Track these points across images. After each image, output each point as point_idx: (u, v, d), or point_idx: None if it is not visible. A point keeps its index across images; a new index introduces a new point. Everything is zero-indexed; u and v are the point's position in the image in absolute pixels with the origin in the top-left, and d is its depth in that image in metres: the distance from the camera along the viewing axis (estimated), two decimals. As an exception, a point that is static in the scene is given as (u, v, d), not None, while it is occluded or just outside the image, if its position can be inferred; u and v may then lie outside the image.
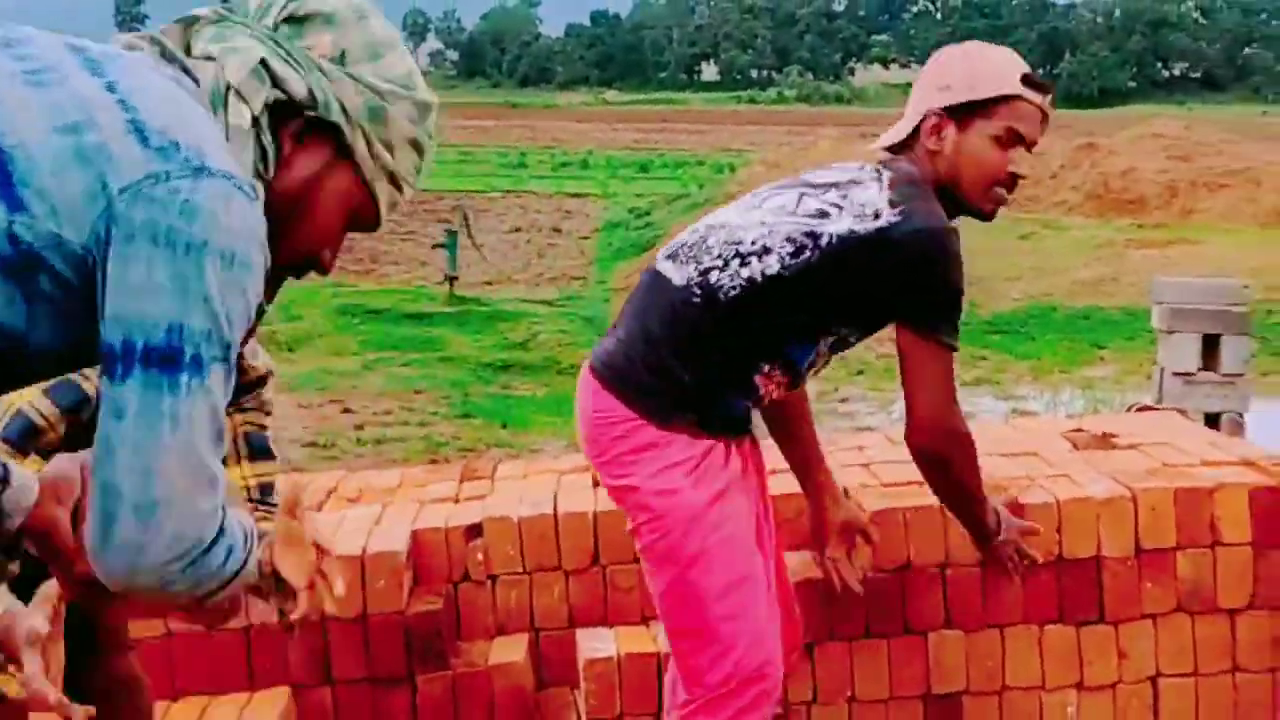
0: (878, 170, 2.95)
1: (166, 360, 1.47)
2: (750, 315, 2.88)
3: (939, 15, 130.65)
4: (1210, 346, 5.33)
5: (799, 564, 3.59)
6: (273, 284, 1.71)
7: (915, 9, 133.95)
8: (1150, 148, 27.13)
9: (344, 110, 1.69)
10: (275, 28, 1.70)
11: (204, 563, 1.55)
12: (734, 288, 2.86)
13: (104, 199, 1.46)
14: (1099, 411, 10.26)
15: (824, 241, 2.84)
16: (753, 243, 2.89)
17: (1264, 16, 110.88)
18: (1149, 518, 3.57)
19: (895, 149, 3.07)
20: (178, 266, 1.47)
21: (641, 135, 55.63)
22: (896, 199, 2.84)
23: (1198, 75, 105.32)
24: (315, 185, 1.71)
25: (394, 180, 1.77)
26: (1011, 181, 2.95)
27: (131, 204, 1.47)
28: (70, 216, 1.46)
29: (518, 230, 27.40)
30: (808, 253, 2.84)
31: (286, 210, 1.68)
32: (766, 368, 2.95)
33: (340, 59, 1.70)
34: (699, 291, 2.88)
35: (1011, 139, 2.91)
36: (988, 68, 2.97)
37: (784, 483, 3.55)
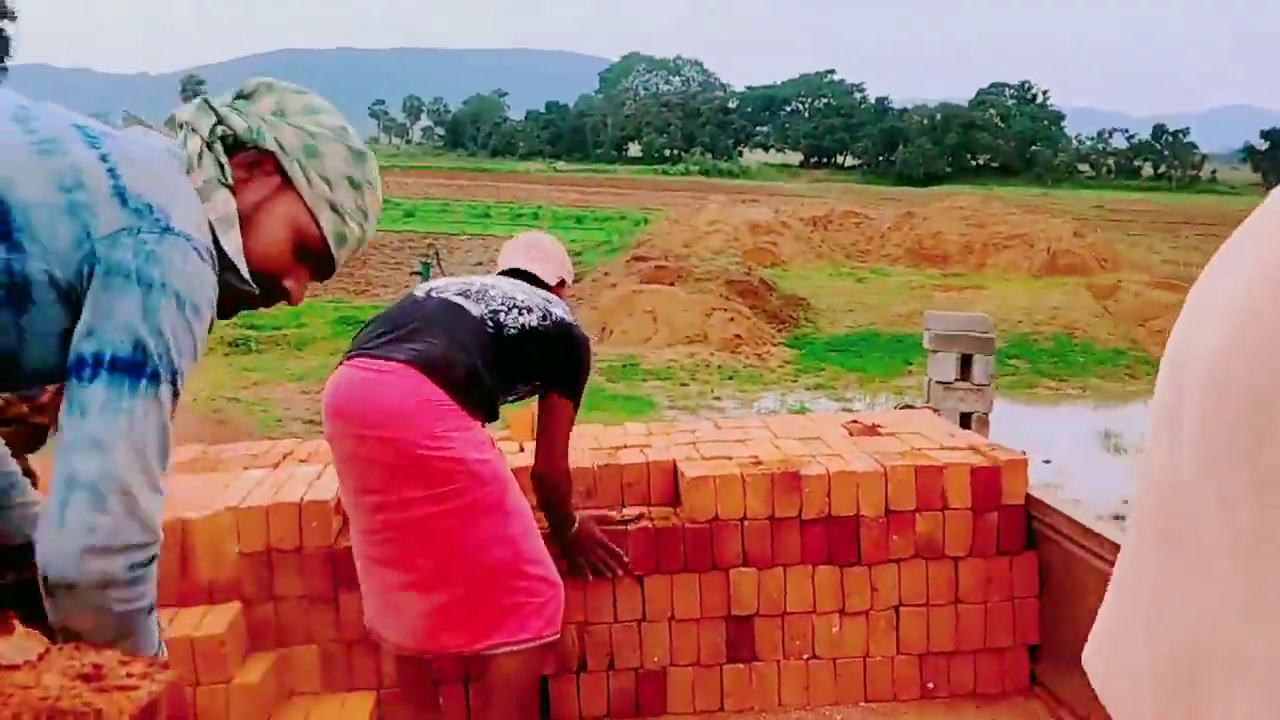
0: (552, 297, 3.23)
1: (130, 368, 1.39)
2: (519, 349, 3.01)
3: (806, 114, 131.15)
4: (965, 363, 5.39)
5: (631, 513, 3.60)
6: (239, 305, 1.65)
7: (789, 109, 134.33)
8: (955, 217, 27.44)
9: (280, 145, 1.64)
10: (233, 101, 1.69)
11: (145, 576, 1.42)
12: (514, 328, 3.00)
13: (88, 245, 1.41)
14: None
15: (554, 318, 3.09)
16: (522, 300, 3.07)
17: (1045, 123, 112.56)
18: (896, 487, 3.60)
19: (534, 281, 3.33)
20: (142, 299, 1.41)
21: (580, 196, 55.33)
22: (569, 315, 3.18)
23: (997, 165, 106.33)
24: (263, 207, 1.63)
25: (336, 210, 1.67)
26: None
27: (109, 249, 1.41)
28: (59, 258, 1.40)
29: (480, 264, 27.27)
30: (548, 321, 3.07)
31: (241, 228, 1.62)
32: (521, 389, 3.15)
33: (280, 113, 1.66)
34: (491, 324, 2.98)
35: None
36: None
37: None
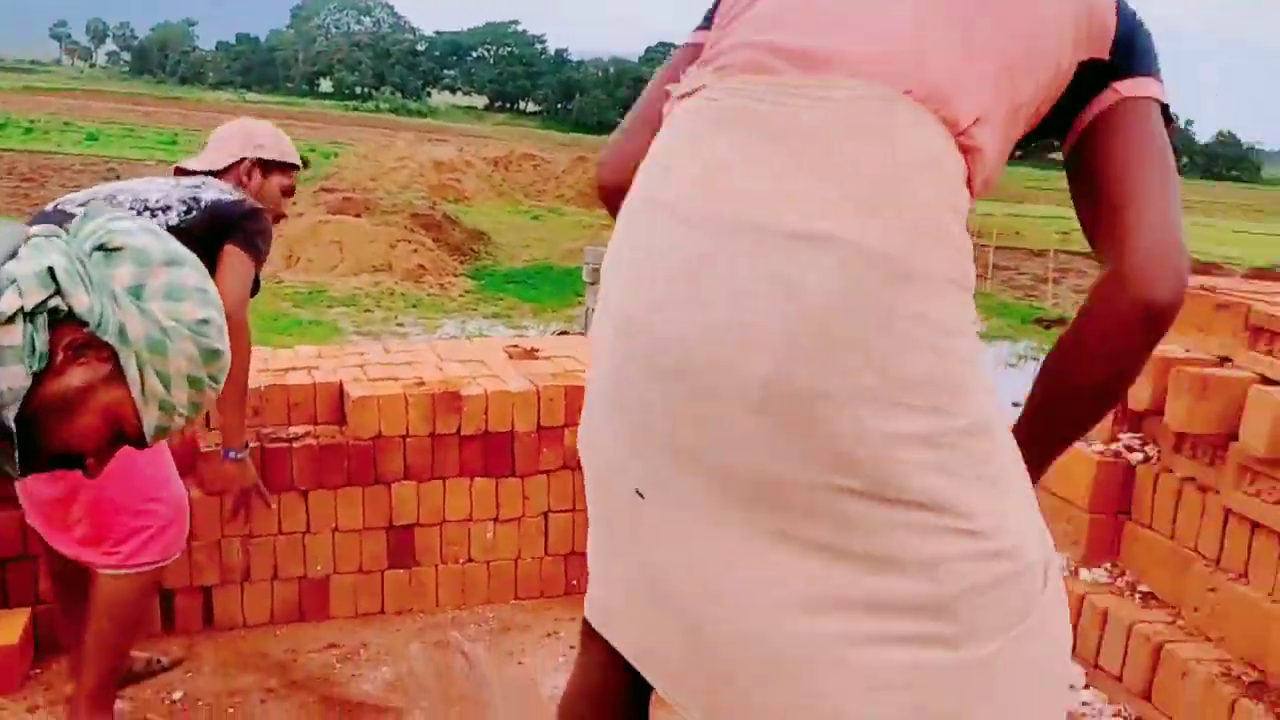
0: (204, 181, 2.98)
1: None
2: None
3: (491, 61, 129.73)
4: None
5: (300, 431, 3.50)
6: (36, 468, 1.38)
7: (475, 55, 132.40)
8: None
9: (123, 334, 1.35)
10: (90, 253, 1.37)
11: None
12: None
13: None
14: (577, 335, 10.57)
15: (204, 203, 2.83)
16: (157, 201, 2.82)
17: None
18: (547, 406, 3.66)
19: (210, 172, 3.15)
20: None
21: (270, 128, 52.74)
22: (228, 194, 2.92)
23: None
24: (85, 395, 1.35)
25: (164, 409, 1.42)
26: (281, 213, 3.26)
27: None
28: None
29: (165, 191, 25.56)
30: (193, 212, 2.81)
31: (53, 409, 1.33)
32: None
33: (136, 291, 1.37)
34: None
35: (289, 191, 3.26)
36: (289, 145, 3.25)
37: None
